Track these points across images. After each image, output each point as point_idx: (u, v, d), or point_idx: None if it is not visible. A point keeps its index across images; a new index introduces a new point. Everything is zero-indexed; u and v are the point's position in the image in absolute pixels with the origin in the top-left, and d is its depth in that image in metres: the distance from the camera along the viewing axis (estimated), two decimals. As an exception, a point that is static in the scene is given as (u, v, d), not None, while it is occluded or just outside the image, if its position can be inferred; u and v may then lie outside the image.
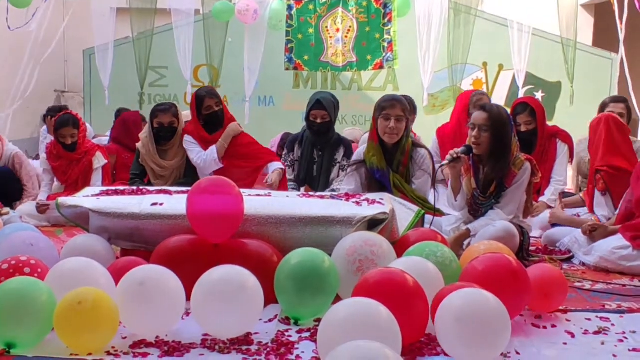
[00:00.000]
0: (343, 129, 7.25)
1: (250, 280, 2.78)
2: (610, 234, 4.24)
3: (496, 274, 2.86)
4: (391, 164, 4.48)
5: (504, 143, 4.03)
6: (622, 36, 7.42)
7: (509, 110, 4.37)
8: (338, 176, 5.27)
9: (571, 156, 5.52)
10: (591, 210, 4.75)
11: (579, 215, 4.88)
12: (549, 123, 5.93)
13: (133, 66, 8.83)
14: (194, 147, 5.38)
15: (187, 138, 5.41)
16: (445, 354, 2.57)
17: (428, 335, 2.75)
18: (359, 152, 4.67)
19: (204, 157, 5.32)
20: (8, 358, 2.56)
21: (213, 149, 5.31)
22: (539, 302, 3.09)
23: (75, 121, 5.71)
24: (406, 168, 4.49)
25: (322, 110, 5.23)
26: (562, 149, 5.41)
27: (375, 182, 4.46)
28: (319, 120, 5.25)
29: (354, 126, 8.69)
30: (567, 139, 5.44)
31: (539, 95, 9.09)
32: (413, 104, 6.02)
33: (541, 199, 5.35)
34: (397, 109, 4.38)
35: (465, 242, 4.06)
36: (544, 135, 5.39)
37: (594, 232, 4.27)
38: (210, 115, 5.34)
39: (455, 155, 4.07)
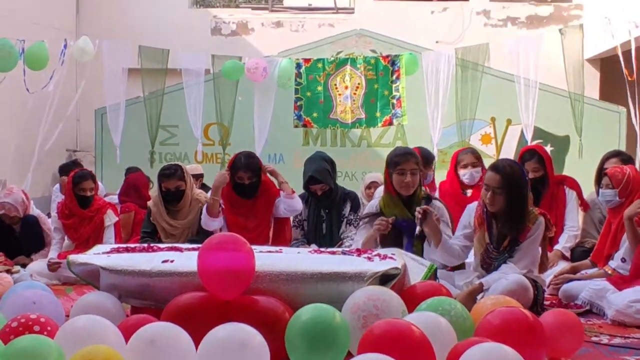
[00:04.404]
0: (364, 176, 7.22)
1: (255, 338, 2.74)
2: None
3: (512, 328, 2.82)
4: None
5: (519, 201, 4.01)
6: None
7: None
8: (346, 230, 5.25)
9: (582, 203, 5.49)
10: (602, 261, 4.68)
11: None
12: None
13: (144, 125, 8.90)
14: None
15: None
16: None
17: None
18: (372, 204, 4.64)
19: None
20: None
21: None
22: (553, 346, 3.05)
23: (92, 175, 5.91)
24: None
25: (319, 183, 5.24)
26: (570, 195, 5.42)
27: (388, 235, 4.39)
28: (319, 192, 5.27)
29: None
30: (574, 185, 5.45)
31: (548, 149, 9.06)
32: (430, 156, 5.97)
33: (556, 247, 5.31)
34: (410, 162, 4.40)
35: (479, 297, 4.01)
36: (553, 182, 5.38)
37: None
38: (240, 185, 5.34)
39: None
